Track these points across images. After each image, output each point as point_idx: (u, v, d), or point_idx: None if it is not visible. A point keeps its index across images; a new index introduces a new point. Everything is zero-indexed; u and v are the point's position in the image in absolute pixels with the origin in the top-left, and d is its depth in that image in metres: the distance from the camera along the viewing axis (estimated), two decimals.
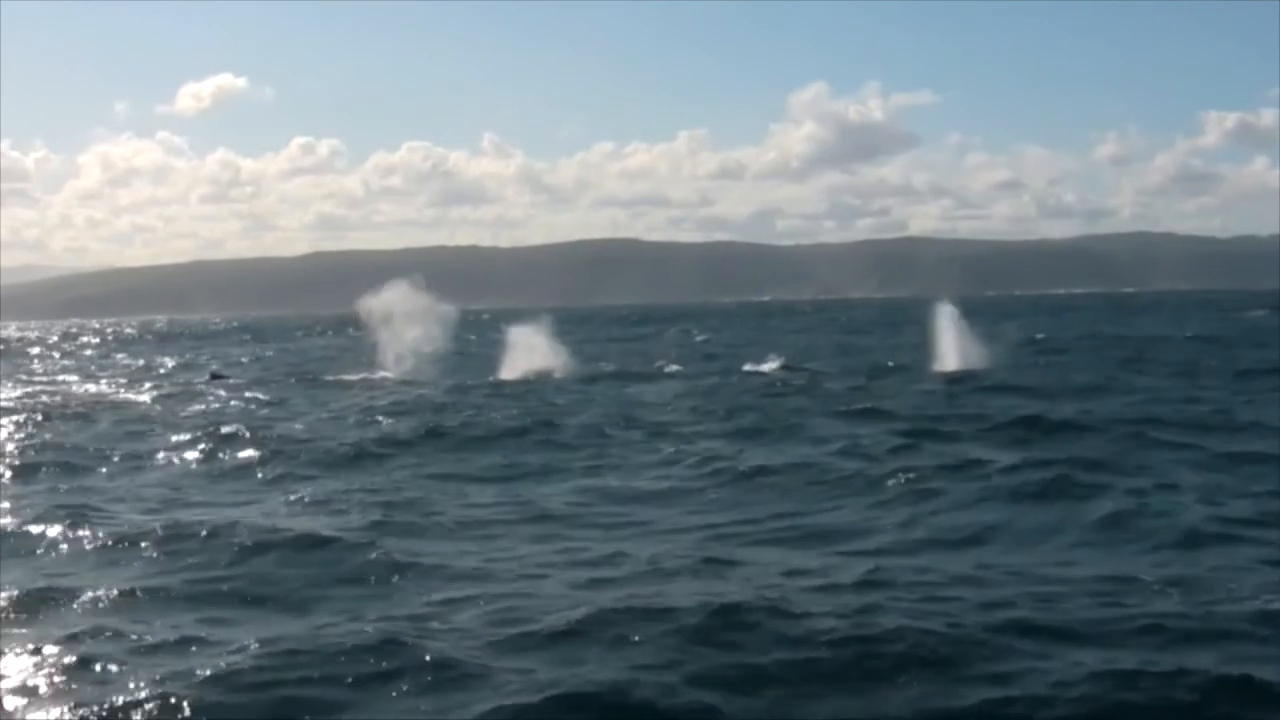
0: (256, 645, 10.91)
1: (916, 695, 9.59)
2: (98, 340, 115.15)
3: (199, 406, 36.17)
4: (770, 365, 46.37)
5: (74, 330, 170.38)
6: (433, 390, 38.68)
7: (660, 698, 9.48)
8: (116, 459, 24.81)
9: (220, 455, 24.70)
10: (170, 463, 24.25)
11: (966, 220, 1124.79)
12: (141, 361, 69.38)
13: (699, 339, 75.98)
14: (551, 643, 10.90)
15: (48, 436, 28.71)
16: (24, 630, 11.78)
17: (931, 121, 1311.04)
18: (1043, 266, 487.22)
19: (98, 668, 10.56)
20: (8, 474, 22.92)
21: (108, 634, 11.48)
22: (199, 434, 27.81)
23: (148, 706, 9.57)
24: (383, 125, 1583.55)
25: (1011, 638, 10.77)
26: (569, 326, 48.02)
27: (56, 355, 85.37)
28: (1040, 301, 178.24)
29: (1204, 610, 11.49)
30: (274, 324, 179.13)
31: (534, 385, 40.05)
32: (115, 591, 13.16)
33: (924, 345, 46.42)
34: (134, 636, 11.41)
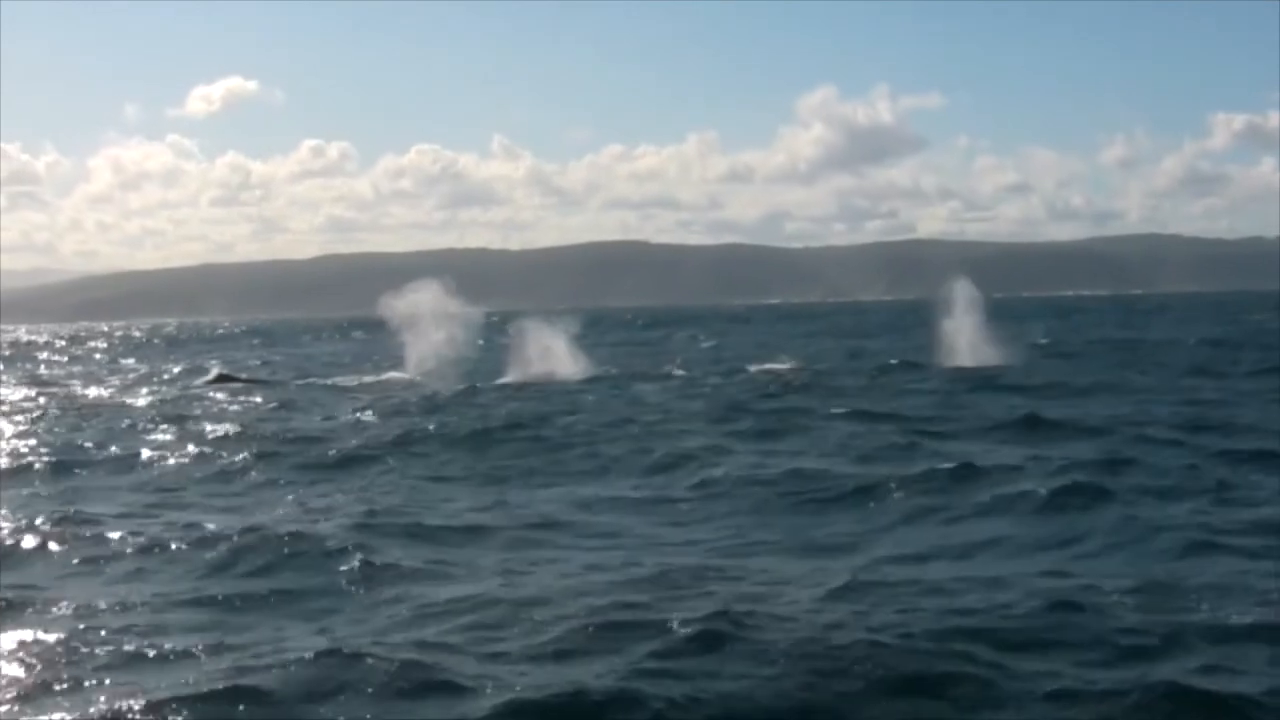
0: (218, 654, 10.77)
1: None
2: (105, 345, 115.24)
3: (197, 410, 36.10)
4: (778, 366, 46.38)
5: (82, 334, 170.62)
6: (443, 391, 38.43)
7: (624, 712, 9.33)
8: (104, 461, 24.69)
9: (214, 457, 24.55)
10: (161, 464, 24.10)
11: (975, 222, 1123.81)
12: (146, 366, 69.39)
13: (705, 345, 75.71)
14: (514, 654, 10.76)
15: (43, 438, 28.63)
16: None
17: (940, 124, 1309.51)
18: (1051, 268, 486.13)
19: (65, 676, 10.40)
20: None
21: (74, 644, 11.32)
22: (195, 436, 27.73)
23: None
24: (392, 128, 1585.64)
25: (980, 648, 10.61)
26: (579, 329, 47.80)
27: (64, 359, 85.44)
28: (1049, 303, 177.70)
29: (1169, 621, 11.26)
30: (284, 326, 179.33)
31: (543, 387, 39.93)
32: (90, 599, 13.05)
33: (933, 345, 46.30)
34: (99, 650, 11.25)
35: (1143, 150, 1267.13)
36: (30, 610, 12.63)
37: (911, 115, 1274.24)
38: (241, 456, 24.38)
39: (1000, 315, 48.62)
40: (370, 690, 9.88)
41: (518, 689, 9.70)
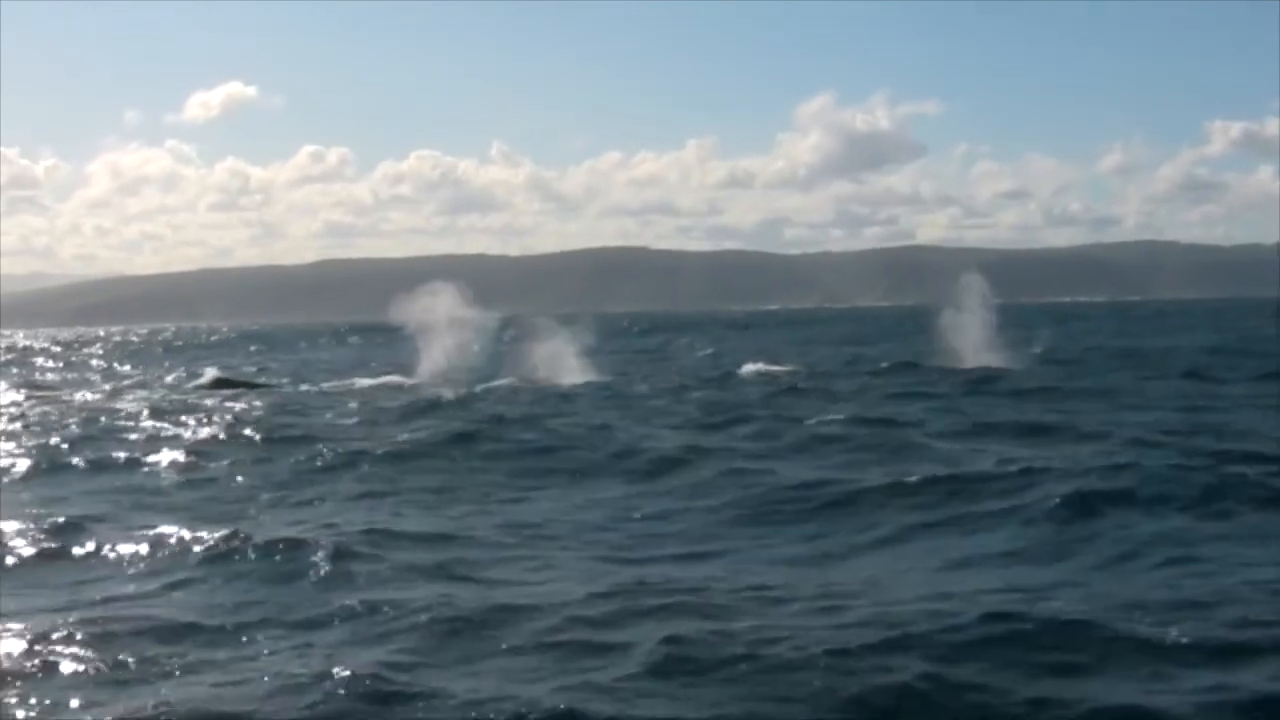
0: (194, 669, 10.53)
1: None
2: (102, 350, 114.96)
3: (188, 415, 35.86)
4: (774, 368, 46.24)
5: (80, 339, 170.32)
6: (442, 395, 38.11)
7: None
8: (91, 465, 24.47)
9: (203, 461, 24.37)
10: (149, 468, 23.92)
11: (973, 229, 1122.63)
12: (142, 371, 69.16)
13: (703, 354, 75.57)
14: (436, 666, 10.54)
15: (30, 443, 28.40)
16: None
17: (938, 131, 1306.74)
18: (1049, 275, 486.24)
19: (31, 696, 10.20)
20: None
21: (40, 657, 11.07)
22: (185, 440, 27.54)
23: None
24: (391, 134, 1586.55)
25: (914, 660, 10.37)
26: (578, 332, 47.64)
27: (60, 365, 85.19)
28: (1047, 310, 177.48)
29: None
30: (282, 331, 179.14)
31: (539, 391, 39.76)
32: (65, 605, 12.85)
33: (931, 350, 46.12)
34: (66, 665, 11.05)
35: (1141, 157, 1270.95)
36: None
37: (910, 122, 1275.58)
38: (229, 461, 24.17)
39: (999, 321, 48.52)
40: (322, 705, 9.61)
41: (480, 704, 9.46)
